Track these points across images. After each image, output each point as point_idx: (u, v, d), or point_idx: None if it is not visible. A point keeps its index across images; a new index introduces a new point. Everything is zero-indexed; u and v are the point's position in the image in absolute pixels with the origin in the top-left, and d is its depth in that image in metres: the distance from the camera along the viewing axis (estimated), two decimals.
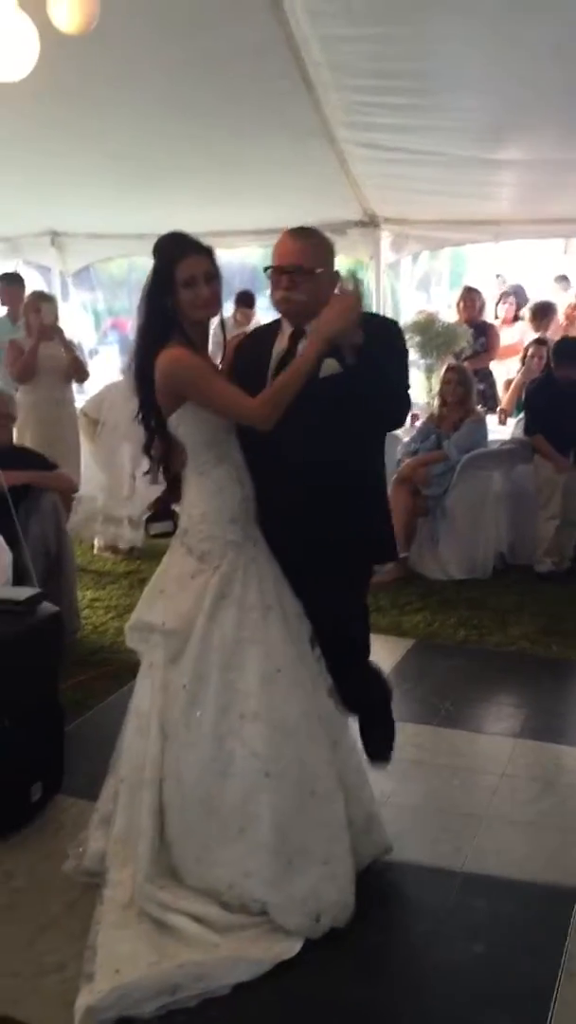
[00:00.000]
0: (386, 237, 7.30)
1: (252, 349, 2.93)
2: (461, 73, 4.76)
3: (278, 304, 2.82)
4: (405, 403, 2.94)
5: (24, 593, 3.37)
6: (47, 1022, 2.35)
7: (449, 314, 7.69)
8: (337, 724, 2.84)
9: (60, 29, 3.57)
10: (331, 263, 2.84)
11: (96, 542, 6.68)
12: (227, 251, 6.67)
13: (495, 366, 7.63)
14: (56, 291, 7.97)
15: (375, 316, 3.16)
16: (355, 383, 2.66)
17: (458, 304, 7.41)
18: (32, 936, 2.65)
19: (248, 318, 7.90)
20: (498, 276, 9.16)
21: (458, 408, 6.14)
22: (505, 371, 7.66)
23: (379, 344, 2.74)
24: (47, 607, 3.38)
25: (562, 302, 8.28)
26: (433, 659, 4.70)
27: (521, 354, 7.23)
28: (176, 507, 2.92)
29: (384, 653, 4.29)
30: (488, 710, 4.25)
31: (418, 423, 6.36)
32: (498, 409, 7.18)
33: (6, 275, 7.77)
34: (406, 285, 8.62)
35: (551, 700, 4.28)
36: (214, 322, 2.83)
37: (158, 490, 3.01)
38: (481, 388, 6.76)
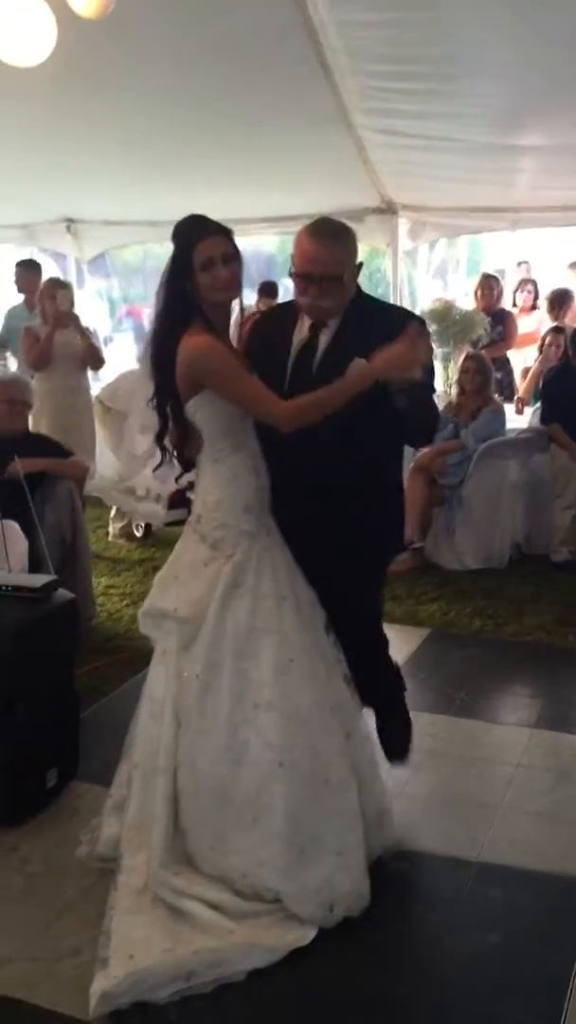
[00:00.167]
0: (403, 224, 7.26)
1: (269, 329, 2.88)
2: (479, 59, 4.72)
3: (306, 309, 2.76)
4: (435, 420, 2.92)
5: (40, 580, 3.38)
6: (62, 1007, 2.36)
7: (466, 302, 7.63)
8: (350, 714, 2.83)
9: (77, 14, 3.56)
10: (356, 256, 2.78)
11: (111, 529, 6.69)
12: (243, 239, 6.61)
13: (512, 354, 7.58)
14: (71, 278, 7.98)
15: (400, 311, 3.08)
16: (387, 394, 2.62)
17: (476, 292, 7.35)
18: (48, 921, 2.66)
19: None
20: (520, 264, 9.03)
21: (476, 397, 6.10)
22: (522, 359, 7.60)
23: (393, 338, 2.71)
24: (63, 594, 3.38)
25: None
26: (449, 649, 4.68)
27: (539, 342, 7.17)
28: (190, 494, 2.91)
29: (399, 642, 4.28)
30: (504, 700, 4.24)
31: None
32: (515, 398, 7.14)
33: (24, 261, 7.79)
34: (423, 273, 8.57)
35: (567, 690, 4.26)
36: (235, 307, 2.78)
37: (169, 481, 3.01)
38: (498, 377, 6.70)
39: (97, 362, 6.57)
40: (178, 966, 2.40)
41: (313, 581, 2.83)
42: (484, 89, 5.02)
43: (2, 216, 8.15)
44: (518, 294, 8.02)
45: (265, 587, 2.73)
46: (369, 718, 3.03)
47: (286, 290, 7.20)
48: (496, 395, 6.37)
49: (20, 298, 7.63)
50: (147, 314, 12.23)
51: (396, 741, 3.14)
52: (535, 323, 7.77)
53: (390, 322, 2.73)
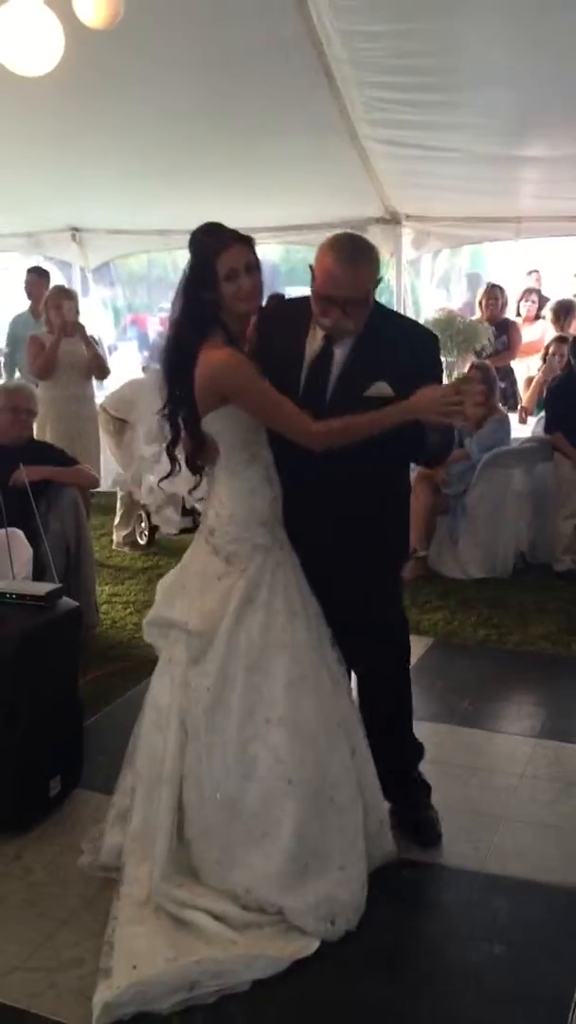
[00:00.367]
0: (407, 234, 7.27)
1: (277, 331, 2.81)
2: (483, 70, 4.74)
3: (326, 330, 2.72)
4: (451, 446, 2.93)
5: (44, 588, 3.38)
6: (65, 1017, 2.35)
7: (467, 312, 7.65)
8: (355, 730, 2.82)
9: (85, 24, 3.57)
10: (378, 273, 2.75)
11: (115, 537, 6.70)
12: None
13: (516, 364, 7.59)
14: (77, 287, 7.99)
15: (418, 326, 3.04)
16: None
17: (480, 301, 7.36)
18: (51, 931, 2.66)
19: None
20: (531, 273, 9.03)
21: (481, 406, 6.10)
22: (526, 369, 7.61)
23: (417, 363, 2.71)
24: (67, 602, 3.38)
25: None
26: (452, 658, 4.68)
27: (542, 352, 7.18)
28: (197, 503, 2.90)
29: None
30: (508, 710, 4.23)
31: None
32: (519, 407, 7.14)
33: (35, 268, 7.82)
34: (426, 282, 8.58)
35: (572, 700, 4.25)
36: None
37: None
38: (503, 386, 6.71)
39: (102, 372, 6.57)
40: (181, 976, 2.39)
41: (331, 597, 2.81)
42: (488, 100, 5.04)
43: (8, 224, 8.17)
44: (522, 304, 8.03)
45: (278, 603, 2.72)
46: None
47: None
48: (500, 404, 6.37)
49: (25, 306, 7.65)
50: (151, 323, 12.31)
51: (424, 826, 3.05)
52: (539, 332, 7.78)
53: (408, 337, 2.73)
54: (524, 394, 7.35)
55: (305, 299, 2.80)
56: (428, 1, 4.17)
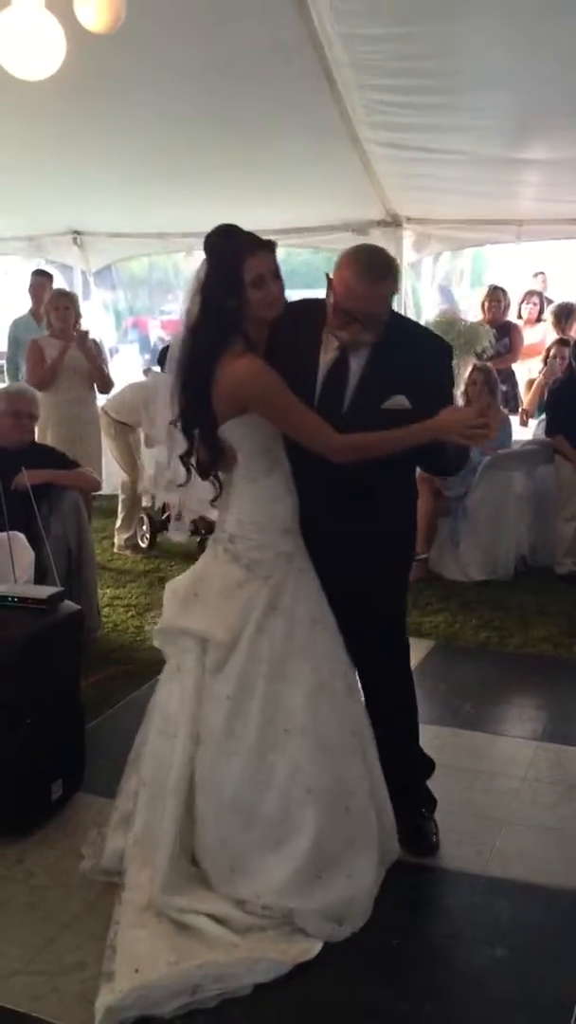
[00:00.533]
0: (408, 236, 7.27)
1: (289, 335, 2.74)
2: (485, 72, 4.74)
3: (342, 342, 2.70)
4: (467, 458, 2.92)
5: (46, 591, 3.38)
6: (67, 1021, 2.35)
7: (469, 314, 7.64)
8: (367, 736, 2.81)
9: (86, 28, 3.57)
10: (397, 285, 2.76)
11: (116, 540, 6.70)
12: None
13: (517, 366, 7.59)
14: (78, 290, 8.00)
15: (433, 336, 3.04)
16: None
17: (483, 304, 7.36)
18: (53, 934, 2.65)
19: None
20: (537, 275, 9.01)
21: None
22: (527, 371, 7.61)
23: (431, 374, 2.72)
24: (69, 605, 3.38)
25: None
26: (454, 661, 4.68)
27: (543, 354, 7.18)
28: (205, 511, 2.86)
29: None
30: (509, 713, 4.23)
31: None
32: (520, 410, 7.14)
33: (40, 271, 7.84)
34: (427, 285, 8.58)
35: (573, 703, 4.25)
36: None
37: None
38: (504, 389, 6.72)
39: (105, 386, 6.56)
40: (183, 980, 2.39)
41: (340, 596, 2.80)
42: (489, 102, 5.04)
43: (9, 228, 8.19)
44: (524, 306, 8.03)
45: (301, 610, 2.71)
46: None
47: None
48: (501, 407, 6.37)
49: (25, 308, 7.66)
50: (152, 326, 12.30)
51: (422, 835, 3.04)
52: (540, 335, 7.78)
53: (423, 348, 2.74)
54: (525, 396, 7.35)
55: (314, 302, 2.79)
56: (428, 4, 4.17)
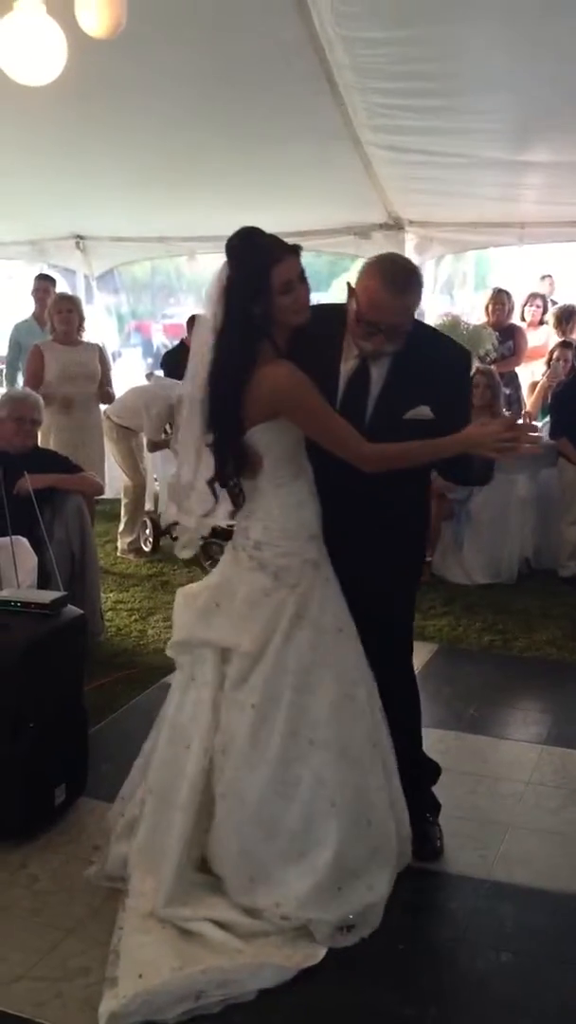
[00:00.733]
0: (410, 240, 7.27)
1: (310, 339, 2.67)
2: (487, 75, 4.73)
3: (364, 352, 2.69)
4: (492, 469, 2.92)
5: (49, 596, 3.38)
6: None
7: (472, 317, 7.63)
8: (387, 746, 2.79)
9: (88, 33, 3.57)
10: (421, 296, 2.73)
11: (119, 544, 6.70)
12: None
13: (520, 369, 7.57)
14: (81, 294, 8.01)
15: (454, 344, 3.03)
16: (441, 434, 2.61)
17: (487, 306, 7.35)
18: (56, 940, 2.65)
19: None
20: (544, 278, 9.00)
21: (485, 411, 6.08)
22: (530, 374, 7.60)
23: (448, 379, 2.71)
24: (72, 610, 3.38)
25: None
26: (458, 664, 4.67)
27: (546, 357, 7.17)
28: (219, 518, 2.81)
29: None
30: (513, 716, 4.22)
31: None
32: (523, 412, 7.13)
33: (44, 275, 7.86)
34: (429, 288, 8.58)
35: None
36: None
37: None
38: (507, 392, 6.71)
39: (107, 400, 6.57)
40: (187, 985, 2.38)
41: (353, 600, 2.78)
42: (491, 105, 5.04)
43: (12, 233, 8.20)
44: (527, 308, 8.02)
45: (327, 620, 2.69)
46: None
47: None
48: (504, 410, 6.36)
49: (27, 313, 7.68)
50: (155, 329, 12.31)
51: (427, 840, 3.01)
52: (543, 337, 7.77)
53: (445, 356, 2.74)
54: (528, 399, 7.34)
55: (331, 308, 2.77)
56: (429, 7, 4.16)
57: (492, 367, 6.46)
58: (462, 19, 4.18)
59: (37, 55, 3.59)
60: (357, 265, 7.73)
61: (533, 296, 8.20)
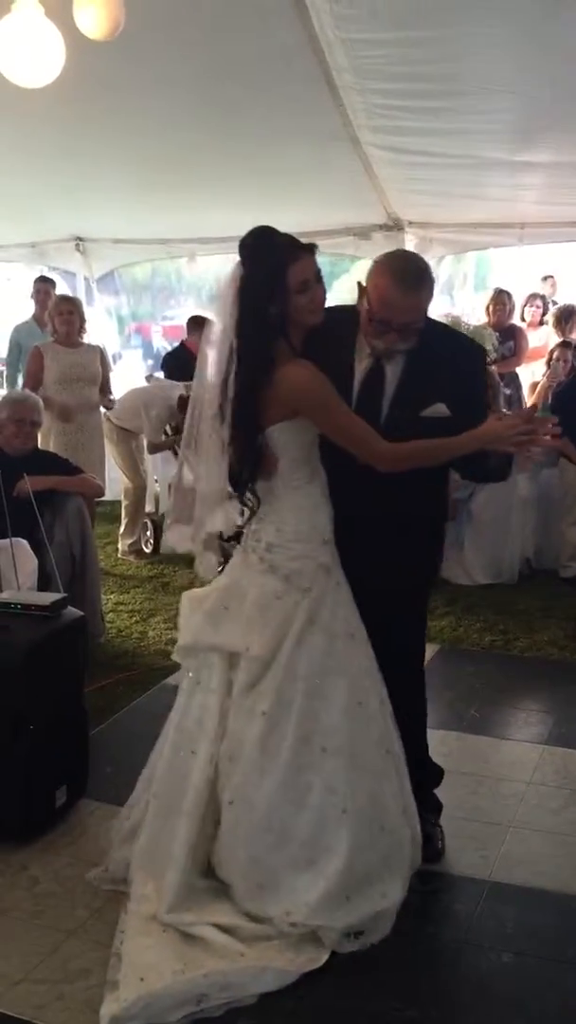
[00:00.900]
0: (410, 240, 7.27)
1: (325, 341, 2.66)
2: (486, 76, 4.73)
3: (377, 352, 2.68)
4: (511, 465, 2.88)
5: (49, 598, 3.38)
6: None
7: (473, 318, 7.63)
8: (399, 752, 2.77)
9: (86, 35, 3.57)
10: (432, 293, 2.72)
11: (120, 545, 6.71)
12: None
13: (520, 369, 7.57)
14: (81, 296, 8.01)
15: (467, 340, 2.99)
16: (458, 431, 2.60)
17: (488, 307, 7.35)
18: (57, 942, 2.64)
19: None
20: (546, 279, 8.99)
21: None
22: (530, 374, 7.60)
23: (463, 375, 2.69)
24: (72, 612, 3.38)
25: None
26: (459, 664, 4.66)
27: (547, 357, 7.17)
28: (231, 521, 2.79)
29: None
30: (515, 716, 4.21)
31: None
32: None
33: (41, 277, 7.86)
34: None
35: None
36: None
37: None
38: (508, 392, 6.71)
39: (109, 407, 6.58)
40: (189, 989, 2.37)
41: (366, 608, 2.75)
42: (491, 106, 5.03)
43: (11, 235, 8.20)
44: (526, 309, 8.02)
45: (338, 626, 2.66)
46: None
47: None
48: (505, 410, 6.35)
49: (27, 314, 7.68)
50: (155, 331, 12.31)
51: (429, 841, 2.97)
52: (543, 338, 7.77)
53: (459, 353, 2.72)
54: (529, 399, 7.34)
55: (345, 309, 2.76)
56: (428, 8, 4.16)
57: (493, 368, 6.46)
58: (461, 20, 4.18)
59: (35, 57, 3.58)
60: (357, 266, 7.75)
61: (533, 296, 8.21)
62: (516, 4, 4.02)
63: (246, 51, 4.65)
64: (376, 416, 2.68)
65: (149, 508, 7.01)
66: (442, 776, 3.16)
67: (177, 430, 6.57)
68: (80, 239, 8.28)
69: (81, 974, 2.51)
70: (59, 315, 6.29)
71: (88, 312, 7.05)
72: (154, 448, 6.79)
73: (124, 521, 6.75)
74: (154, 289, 11.13)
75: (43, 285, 7.69)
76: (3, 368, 8.28)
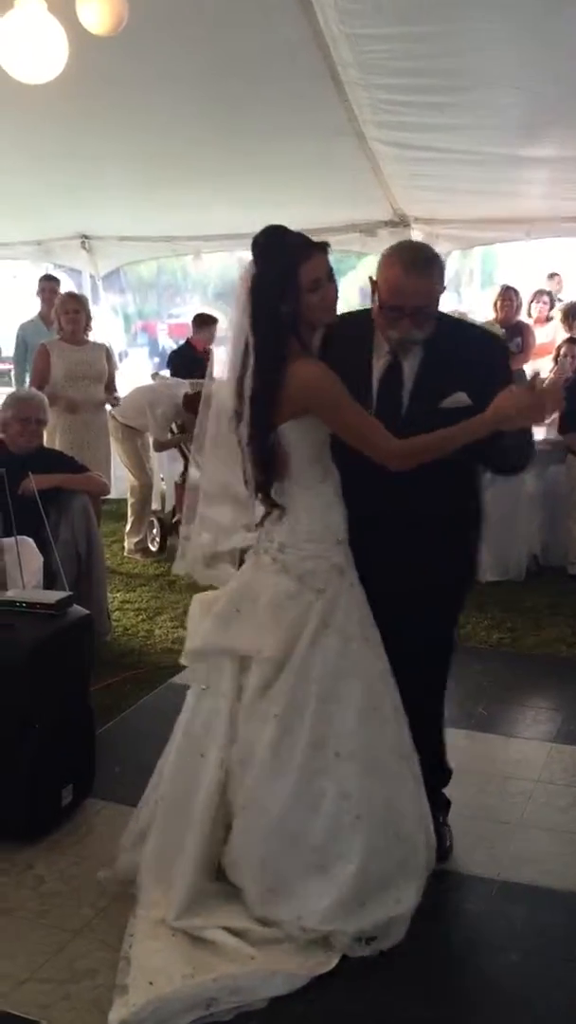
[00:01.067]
0: (416, 236, 7.24)
1: (344, 343, 2.66)
2: (491, 71, 4.71)
3: (393, 343, 2.66)
4: (532, 452, 2.82)
5: (55, 596, 3.37)
6: None
7: (479, 314, 7.61)
8: (414, 758, 2.73)
9: (89, 30, 3.57)
10: (443, 279, 2.70)
11: (126, 543, 6.70)
12: None
13: (527, 366, 7.54)
14: (87, 294, 8.01)
15: (482, 331, 2.95)
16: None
17: (495, 303, 7.32)
18: (63, 942, 2.63)
19: None
20: (552, 276, 8.97)
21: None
22: (538, 370, 7.57)
23: (488, 370, 2.66)
24: (78, 610, 3.37)
25: None
26: (466, 662, 4.61)
27: (554, 353, 7.15)
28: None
29: None
30: (523, 714, 4.19)
31: None
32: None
33: (47, 275, 7.87)
34: None
35: None
36: None
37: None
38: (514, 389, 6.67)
39: (116, 405, 6.57)
40: (198, 993, 2.35)
41: (389, 614, 2.70)
42: (496, 101, 5.02)
43: (17, 233, 8.20)
44: (533, 305, 8.00)
45: (352, 628, 2.63)
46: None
47: None
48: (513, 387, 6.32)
49: (33, 312, 7.68)
50: (161, 329, 12.32)
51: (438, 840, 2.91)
52: (550, 334, 7.75)
53: (477, 344, 2.70)
54: None
55: (366, 313, 2.76)
56: (432, 3, 4.15)
57: None
58: (465, 15, 4.17)
59: (38, 53, 3.58)
60: (363, 263, 7.73)
61: (539, 293, 8.18)
62: (518, 0, 4.00)
63: (250, 47, 4.64)
64: (397, 411, 2.67)
65: (155, 506, 7.01)
66: (451, 775, 3.14)
67: (183, 428, 6.56)
68: (86, 237, 8.28)
69: (87, 974, 2.50)
70: (65, 313, 6.27)
71: (94, 310, 7.05)
72: (160, 446, 6.78)
73: (130, 519, 6.75)
74: (160, 287, 11.12)
75: (49, 283, 7.70)
76: (10, 366, 8.28)
